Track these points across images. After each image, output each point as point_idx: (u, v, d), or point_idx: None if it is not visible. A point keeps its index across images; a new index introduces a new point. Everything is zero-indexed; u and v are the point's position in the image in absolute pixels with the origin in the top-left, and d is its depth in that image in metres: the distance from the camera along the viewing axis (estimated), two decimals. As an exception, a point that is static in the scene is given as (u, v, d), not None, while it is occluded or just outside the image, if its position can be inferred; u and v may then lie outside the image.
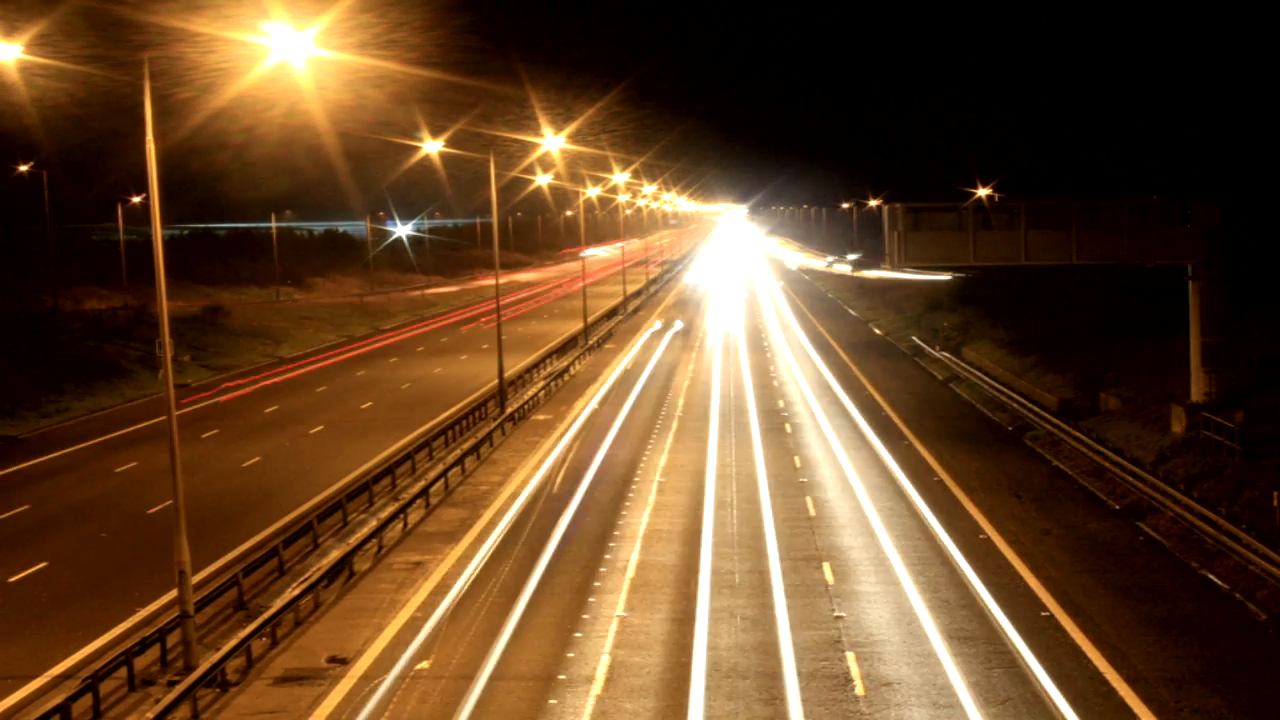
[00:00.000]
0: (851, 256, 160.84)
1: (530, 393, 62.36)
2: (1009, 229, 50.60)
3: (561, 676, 26.00)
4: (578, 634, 28.44)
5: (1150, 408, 49.73)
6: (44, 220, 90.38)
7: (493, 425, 53.22)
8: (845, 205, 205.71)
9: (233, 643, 26.63)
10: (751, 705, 24.37)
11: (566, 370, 72.22)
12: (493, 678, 26.03)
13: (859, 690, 24.97)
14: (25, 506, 42.75)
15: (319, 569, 31.95)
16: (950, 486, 42.26)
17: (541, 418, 57.69)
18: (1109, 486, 41.36)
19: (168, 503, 32.44)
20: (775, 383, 67.53)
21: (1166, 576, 32.34)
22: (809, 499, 40.77)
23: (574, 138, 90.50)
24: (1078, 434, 47.21)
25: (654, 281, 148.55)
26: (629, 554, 34.67)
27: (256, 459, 49.76)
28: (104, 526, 39.76)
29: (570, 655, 27.15)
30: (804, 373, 71.49)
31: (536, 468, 46.61)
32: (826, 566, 33.21)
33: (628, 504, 40.44)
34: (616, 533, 36.94)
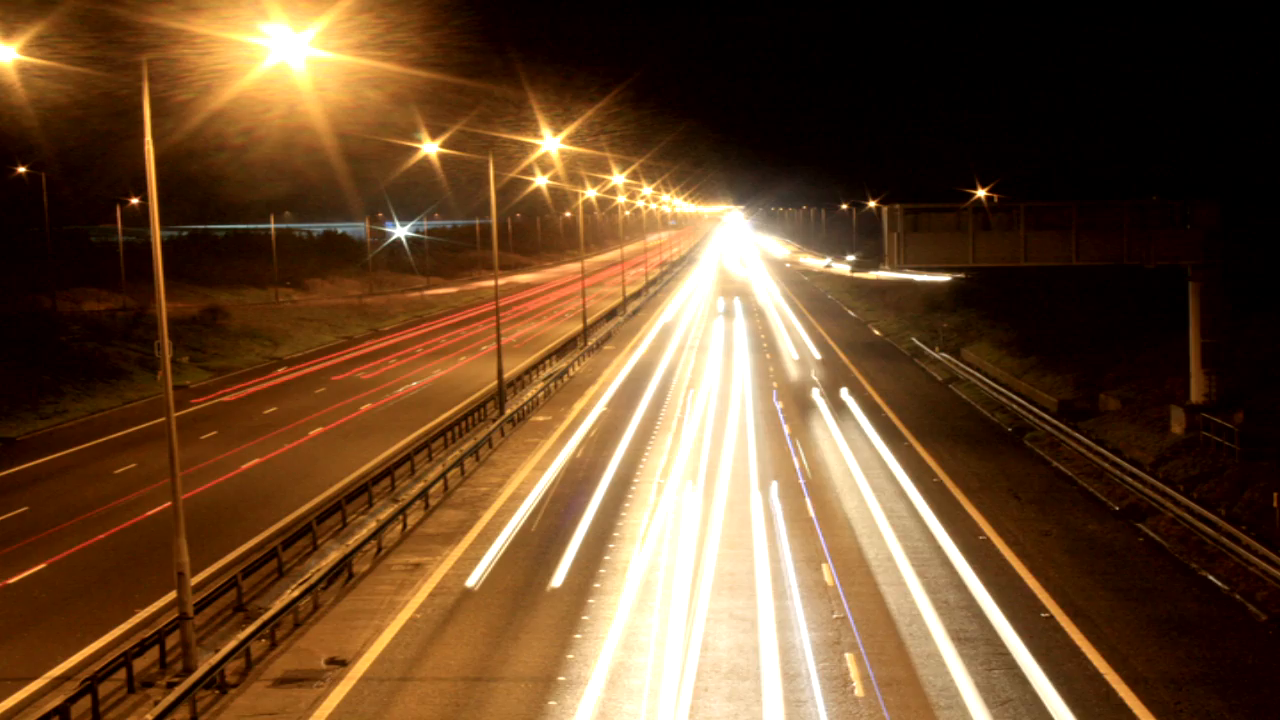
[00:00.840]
0: (850, 257, 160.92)
1: (529, 394, 62.33)
2: (1008, 230, 50.59)
3: (561, 678, 25.97)
4: (577, 635, 28.42)
5: (1150, 409, 49.72)
6: (42, 221, 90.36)
7: (492, 427, 53.19)
8: (844, 206, 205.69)
9: (232, 644, 26.60)
10: (751, 706, 24.34)
11: (566, 371, 72.19)
12: (492, 679, 26.01)
13: (858, 691, 24.95)
14: (24, 508, 42.72)
15: (318, 570, 31.91)
16: (950, 487, 42.24)
17: (541, 419, 57.66)
18: (1109, 488, 41.34)
19: (166, 504, 32.42)
20: (775, 384, 67.48)
21: (1166, 577, 32.33)
22: (808, 500, 40.74)
23: (573, 139, 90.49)
24: (1077, 435, 47.18)
25: (653, 282, 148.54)
26: (628, 555, 34.64)
27: (255, 460, 49.73)
28: (102, 528, 39.70)
29: (570, 657, 27.13)
30: (803, 373, 71.45)
31: (536, 469, 46.58)
32: (826, 567, 33.19)
33: (627, 505, 40.40)
34: (616, 534, 36.91)
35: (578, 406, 60.87)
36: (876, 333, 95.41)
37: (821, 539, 36.06)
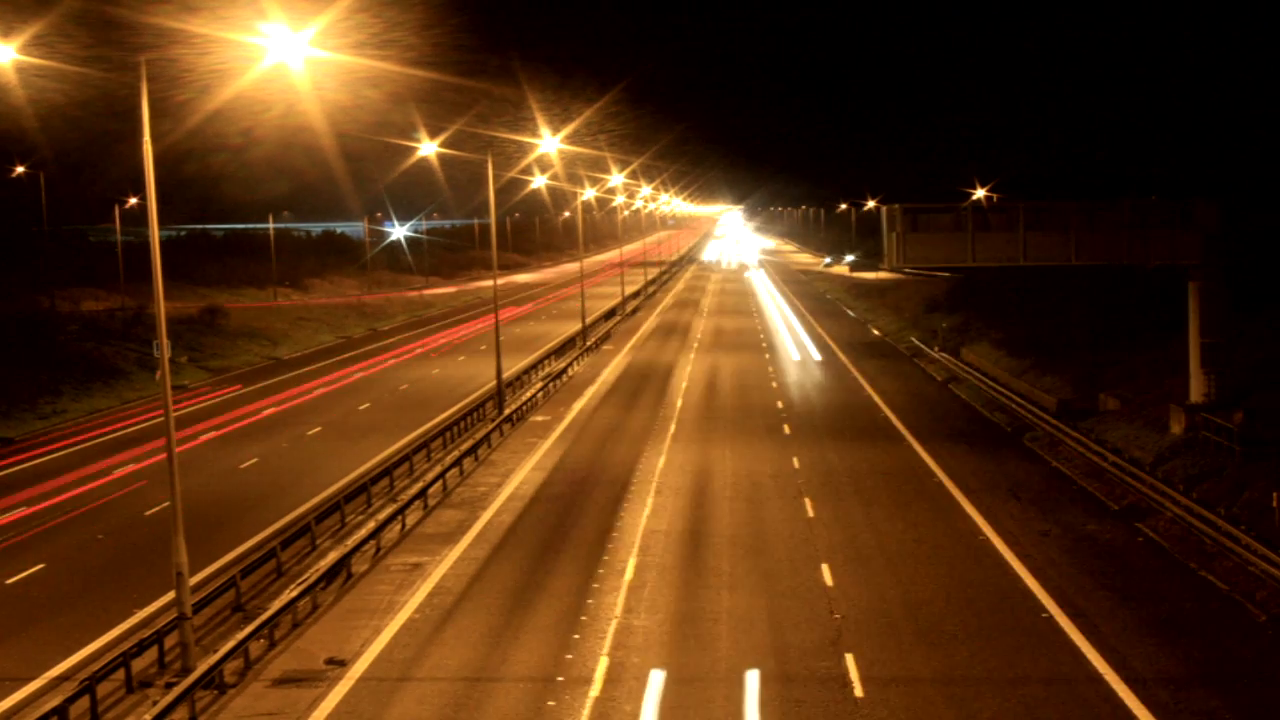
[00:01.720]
0: (849, 257, 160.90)
1: (528, 394, 62.30)
2: (1008, 230, 50.53)
3: (560, 678, 25.94)
4: (576, 635, 28.39)
5: (1149, 408, 49.69)
6: (41, 221, 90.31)
7: (491, 426, 53.16)
8: (843, 206, 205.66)
9: (230, 644, 26.56)
10: (750, 706, 24.30)
11: (565, 371, 72.16)
12: (491, 679, 25.98)
13: (858, 692, 24.92)
14: (22, 507, 42.68)
15: (317, 570, 31.88)
16: (949, 487, 42.22)
17: (540, 419, 57.62)
18: (1108, 487, 41.32)
19: (165, 504, 32.39)
20: (774, 383, 67.48)
21: (1165, 577, 32.30)
22: (807, 500, 40.72)
23: (572, 138, 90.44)
24: (1077, 435, 47.16)
25: (652, 282, 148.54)
26: (627, 555, 34.61)
27: (254, 460, 49.70)
28: (101, 528, 39.67)
29: (569, 657, 27.10)
30: (803, 373, 71.45)
31: (535, 469, 46.55)
32: (825, 567, 33.16)
33: (626, 505, 40.38)
34: (614, 534, 36.88)
35: (577, 406, 60.84)
36: (876, 332, 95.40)
37: (820, 539, 36.05)
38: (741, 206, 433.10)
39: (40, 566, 35.39)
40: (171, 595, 27.61)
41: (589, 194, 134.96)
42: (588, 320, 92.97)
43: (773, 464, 46.44)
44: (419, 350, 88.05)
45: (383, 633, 28.95)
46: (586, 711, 24.34)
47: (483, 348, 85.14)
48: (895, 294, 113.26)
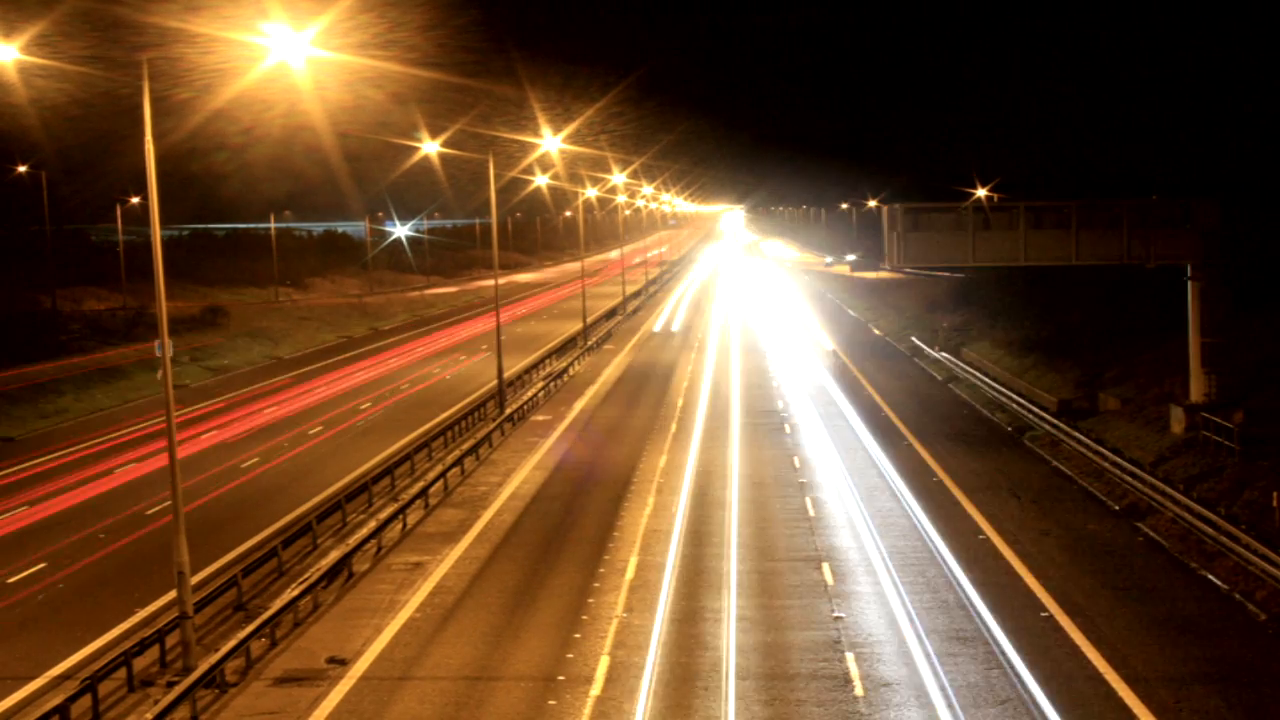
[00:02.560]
0: (850, 257, 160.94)
1: (529, 393, 62.34)
2: (1008, 229, 50.56)
3: (561, 677, 25.98)
4: (576, 634, 28.43)
5: (1149, 408, 49.71)
6: (43, 221, 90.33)
7: (492, 426, 53.20)
8: (844, 206, 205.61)
9: (232, 643, 26.61)
10: (751, 706, 24.34)
11: (566, 371, 72.20)
12: (492, 678, 26.02)
13: (858, 690, 24.96)
14: (23, 507, 42.73)
15: (318, 570, 31.92)
16: (949, 487, 42.25)
17: (541, 418, 57.66)
18: (1108, 487, 41.34)
19: (167, 503, 32.43)
20: (774, 383, 67.50)
21: (1166, 577, 32.33)
22: (808, 499, 40.76)
23: (573, 138, 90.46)
24: (1077, 434, 47.18)
25: (652, 282, 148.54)
26: (628, 554, 34.65)
27: (255, 459, 49.74)
28: (103, 527, 39.72)
29: (570, 656, 27.14)
30: (803, 373, 71.45)
31: (536, 468, 46.58)
32: (825, 567, 33.20)
33: (626, 504, 40.41)
34: (615, 533, 36.92)
35: (578, 406, 60.87)
36: (876, 332, 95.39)
37: (821, 539, 36.09)
38: (743, 206, 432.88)
39: (42, 565, 35.44)
40: (173, 594, 27.66)
41: (590, 193, 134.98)
42: (589, 320, 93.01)
43: (774, 463, 46.48)
44: (420, 350, 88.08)
45: (384, 632, 28.99)
46: (587, 711, 24.37)
47: (484, 347, 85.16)
48: (896, 293, 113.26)
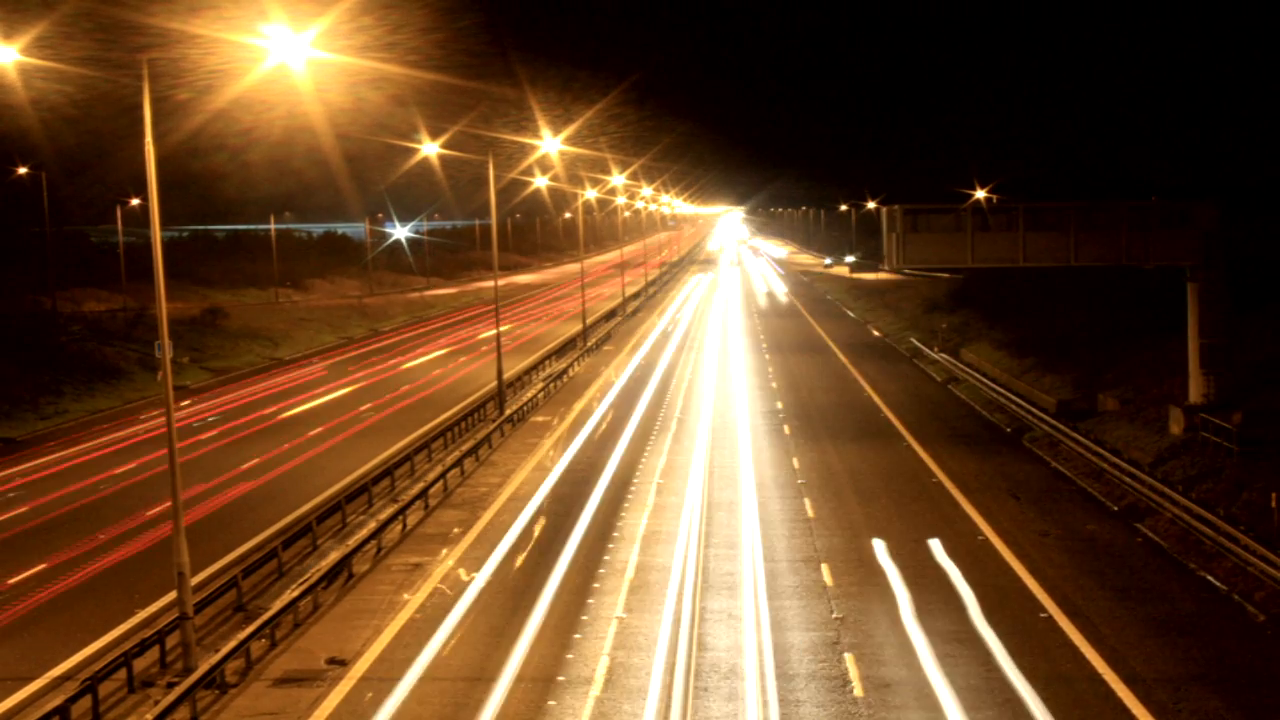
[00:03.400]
0: (849, 258, 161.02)
1: (529, 394, 62.38)
2: (1007, 230, 50.61)
3: (561, 678, 26.01)
4: (577, 635, 28.46)
5: (1148, 409, 49.74)
6: (43, 222, 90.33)
7: (491, 427, 53.23)
8: (843, 207, 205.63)
9: (232, 644, 26.64)
10: (751, 706, 24.37)
11: (565, 372, 72.23)
12: (492, 679, 26.04)
13: (857, 691, 24.99)
14: (24, 508, 42.76)
15: (318, 570, 31.96)
16: (948, 487, 42.29)
17: (540, 419, 57.70)
18: (1107, 488, 41.38)
19: (166, 504, 32.46)
20: (774, 384, 67.54)
21: (1165, 578, 32.37)
22: (807, 500, 40.80)
23: (573, 140, 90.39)
24: (1076, 435, 47.22)
25: (652, 283, 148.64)
26: (628, 555, 34.68)
27: (255, 460, 49.76)
28: (102, 528, 39.74)
29: (569, 656, 27.17)
30: (803, 373, 71.50)
31: (536, 469, 46.62)
32: (825, 568, 33.24)
33: (627, 505, 40.45)
34: (615, 534, 36.96)
35: (577, 407, 60.91)
36: (876, 333, 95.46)
37: (820, 540, 36.13)
38: (743, 207, 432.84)
39: (42, 566, 35.46)
40: (173, 595, 27.69)
41: (590, 194, 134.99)
42: (588, 321, 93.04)
43: (773, 464, 46.52)
44: (420, 351, 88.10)
45: (384, 632, 29.03)
46: (587, 711, 24.40)
47: (484, 348, 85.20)
48: (895, 295, 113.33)
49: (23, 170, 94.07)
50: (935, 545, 35.24)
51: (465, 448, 47.98)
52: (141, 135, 26.57)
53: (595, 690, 25.33)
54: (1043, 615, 29.27)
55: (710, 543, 35.86)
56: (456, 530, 38.05)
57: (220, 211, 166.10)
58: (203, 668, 25.50)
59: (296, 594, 30.08)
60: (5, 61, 33.23)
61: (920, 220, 51.48)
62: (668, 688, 25.33)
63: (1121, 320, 64.65)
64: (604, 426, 55.12)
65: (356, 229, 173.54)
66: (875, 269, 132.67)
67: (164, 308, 27.70)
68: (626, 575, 32.87)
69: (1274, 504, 33.88)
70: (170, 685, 25.75)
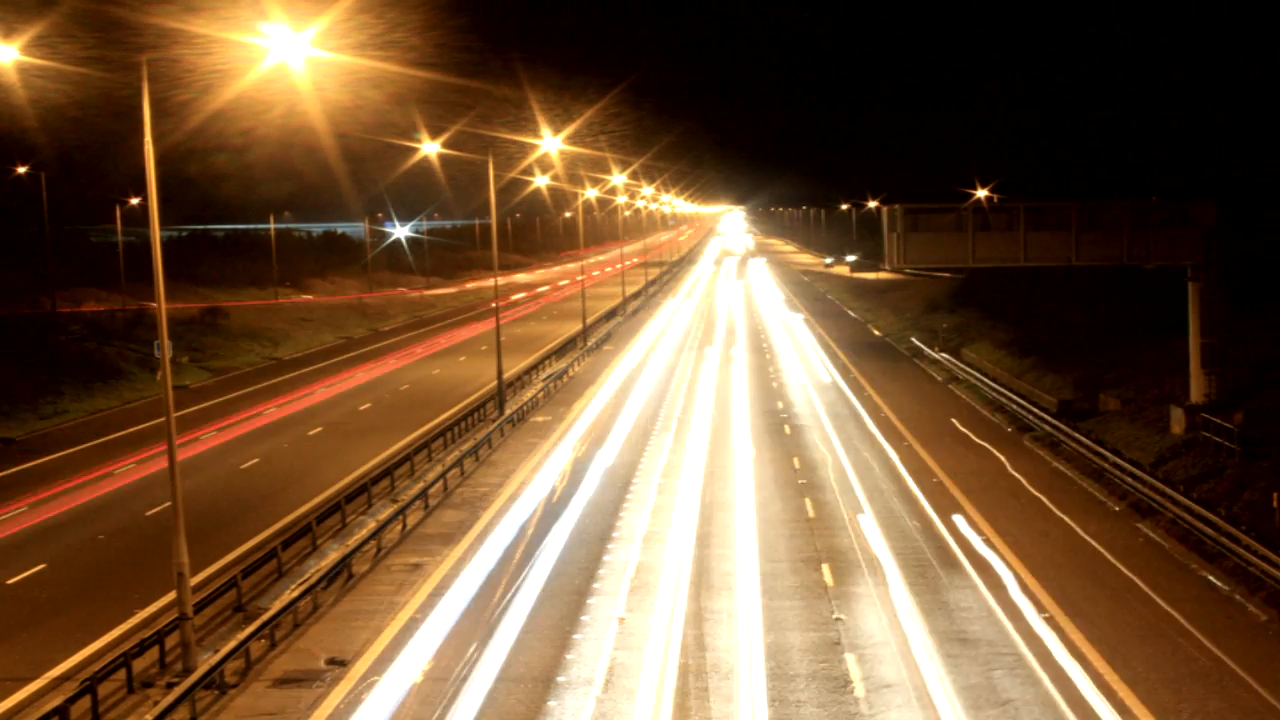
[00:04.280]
0: (850, 258, 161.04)
1: (529, 394, 62.33)
2: (1008, 230, 50.60)
3: (561, 678, 25.97)
4: (577, 635, 28.42)
5: (1150, 409, 49.72)
6: (42, 221, 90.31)
7: (491, 427, 53.19)
8: (844, 206, 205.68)
9: (231, 644, 26.59)
10: (752, 706, 24.32)
11: (566, 371, 72.20)
12: (492, 679, 25.98)
13: (858, 691, 24.94)
14: (23, 508, 42.72)
15: (318, 571, 31.91)
16: (949, 488, 42.25)
17: (540, 419, 57.66)
18: (1108, 488, 41.34)
19: (166, 504, 32.41)
20: (774, 384, 67.51)
21: (1166, 577, 32.31)
22: (808, 500, 40.75)
23: (572, 139, 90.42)
24: (1077, 435, 47.17)
25: (652, 283, 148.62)
26: (628, 556, 34.63)
27: (255, 460, 49.74)
28: (102, 528, 39.71)
29: (569, 657, 27.12)
30: (803, 373, 71.48)
31: (536, 469, 46.58)
32: (825, 568, 33.19)
33: (627, 505, 40.40)
34: (616, 534, 36.91)
35: (577, 407, 60.87)
36: (876, 333, 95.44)
37: (821, 540, 36.09)
38: (744, 207, 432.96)
39: (41, 567, 35.42)
40: (172, 595, 27.66)
41: (590, 194, 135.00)
42: (588, 320, 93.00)
43: (773, 464, 46.48)
44: (420, 351, 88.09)
45: (384, 633, 28.98)
46: (588, 711, 24.36)
47: (483, 348, 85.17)
48: (896, 294, 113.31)
49: (23, 170, 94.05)
50: (936, 545, 35.20)
51: (465, 447, 47.93)
52: (141, 135, 26.52)
53: (595, 690, 25.28)
54: (1044, 615, 29.22)
55: (710, 543, 35.81)
56: (457, 530, 38.00)
57: (220, 211, 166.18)
58: (202, 668, 25.45)
59: (296, 594, 30.04)
60: (5, 61, 33.18)
61: (921, 220, 51.47)
62: (668, 688, 25.29)
63: (1122, 320, 64.63)
64: (604, 426, 55.06)
65: (356, 229, 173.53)
66: (876, 268, 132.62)
67: (164, 308, 27.67)
68: (627, 575, 32.82)
69: (1275, 504, 33.85)
70: (170, 685, 25.71)
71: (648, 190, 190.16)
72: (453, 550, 35.77)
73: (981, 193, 70.56)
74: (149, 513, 40.93)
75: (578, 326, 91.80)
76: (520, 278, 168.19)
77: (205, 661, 25.89)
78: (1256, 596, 30.06)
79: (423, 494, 40.91)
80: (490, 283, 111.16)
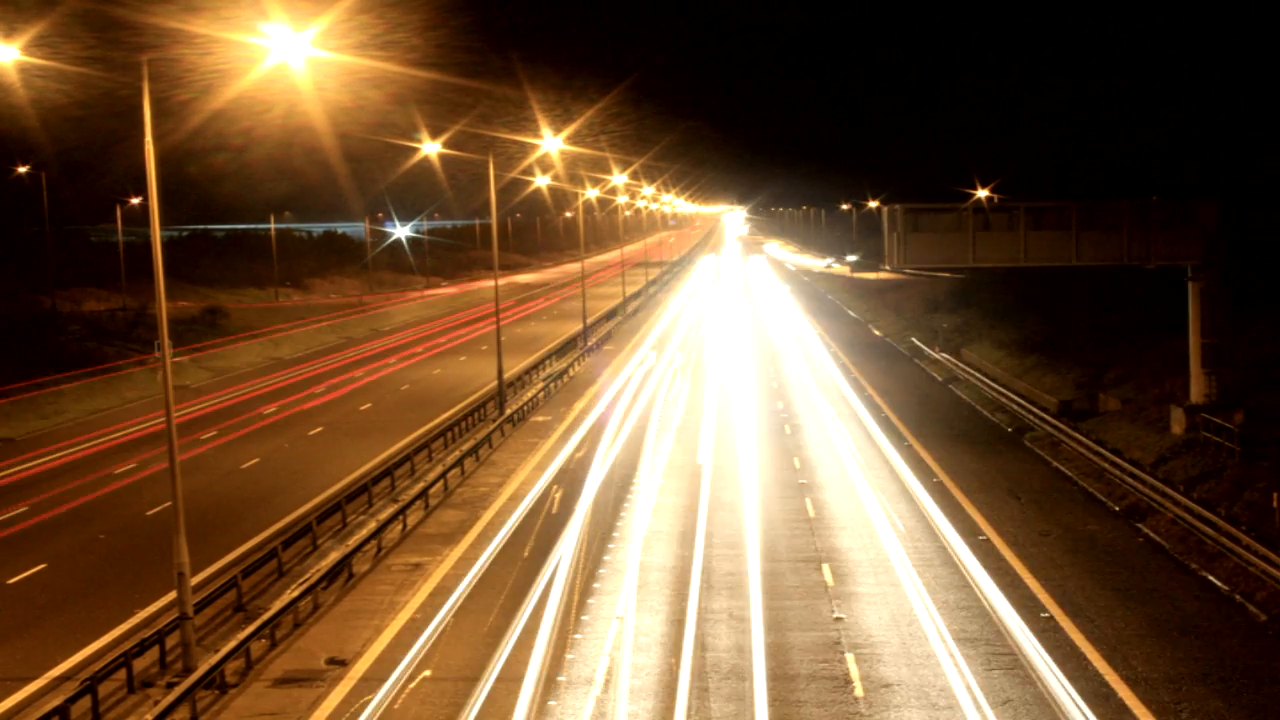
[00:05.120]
0: (850, 258, 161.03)
1: (529, 394, 62.33)
2: (1009, 230, 50.54)
3: (561, 678, 25.97)
4: (577, 635, 28.42)
5: (1150, 409, 49.71)
6: (43, 221, 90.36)
7: (492, 427, 53.19)
8: (845, 207, 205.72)
9: (232, 644, 26.60)
10: (752, 706, 24.33)
11: (566, 371, 72.19)
12: (492, 679, 25.99)
13: (858, 691, 24.95)
14: (23, 508, 42.73)
15: (318, 570, 31.91)
16: (950, 488, 42.24)
17: (541, 419, 57.65)
18: (1109, 488, 41.34)
19: (167, 504, 32.42)
20: (774, 384, 67.50)
21: (1166, 577, 32.33)
22: (808, 500, 40.76)
23: (573, 139, 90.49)
24: (1077, 435, 47.18)
25: (653, 282, 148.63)
26: (628, 555, 34.63)
27: (255, 460, 49.74)
28: (102, 528, 39.72)
29: (570, 657, 27.12)
30: (802, 373, 71.45)
31: (536, 469, 46.58)
32: (826, 568, 33.20)
33: (627, 505, 40.40)
34: (616, 534, 36.91)
35: (578, 406, 60.87)
36: (876, 333, 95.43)
37: (821, 539, 36.10)
38: (744, 207, 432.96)
39: (42, 566, 35.43)
40: (173, 595, 27.66)
41: (591, 194, 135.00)
42: (589, 320, 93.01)
43: (774, 464, 46.48)
44: (420, 351, 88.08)
45: (384, 633, 28.99)
46: (588, 711, 24.36)
47: (484, 348, 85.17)
48: (896, 294, 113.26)
49: (23, 170, 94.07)
50: (936, 545, 35.20)
51: (465, 447, 47.94)
52: (141, 135, 26.52)
53: (596, 690, 25.29)
54: (1044, 615, 29.22)
55: (711, 543, 35.81)
56: (457, 530, 38.00)
57: (220, 211, 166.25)
58: (202, 668, 25.45)
59: (296, 594, 30.04)
60: (6, 61, 33.19)
61: (921, 220, 51.41)
62: (669, 688, 25.29)
63: (1123, 320, 64.65)
64: (605, 426, 55.05)
65: (356, 228, 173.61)
66: (876, 268, 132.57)
67: (164, 307, 27.67)
68: (627, 575, 32.81)
69: (1275, 504, 33.85)
70: (170, 685, 25.71)
71: (648, 190, 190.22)
72: (453, 550, 35.78)
73: (982, 193, 70.59)
74: (149, 512, 40.94)
75: (578, 326, 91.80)
76: (521, 278, 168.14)
77: (205, 661, 25.90)
78: (1256, 596, 30.07)
79: (423, 494, 40.91)
80: (491, 282, 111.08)
